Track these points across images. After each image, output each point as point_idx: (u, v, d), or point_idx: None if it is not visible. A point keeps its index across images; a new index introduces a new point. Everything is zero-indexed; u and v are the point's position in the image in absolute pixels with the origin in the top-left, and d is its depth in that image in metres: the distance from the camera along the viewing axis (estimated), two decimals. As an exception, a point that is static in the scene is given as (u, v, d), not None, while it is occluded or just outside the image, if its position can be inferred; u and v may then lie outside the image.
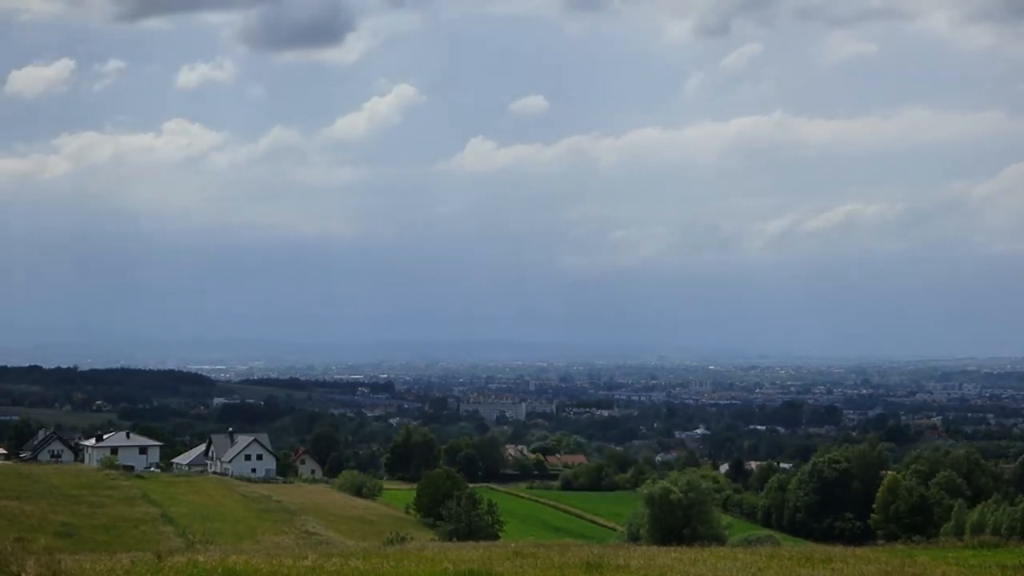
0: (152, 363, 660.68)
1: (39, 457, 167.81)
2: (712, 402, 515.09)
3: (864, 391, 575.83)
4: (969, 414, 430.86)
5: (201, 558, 33.13)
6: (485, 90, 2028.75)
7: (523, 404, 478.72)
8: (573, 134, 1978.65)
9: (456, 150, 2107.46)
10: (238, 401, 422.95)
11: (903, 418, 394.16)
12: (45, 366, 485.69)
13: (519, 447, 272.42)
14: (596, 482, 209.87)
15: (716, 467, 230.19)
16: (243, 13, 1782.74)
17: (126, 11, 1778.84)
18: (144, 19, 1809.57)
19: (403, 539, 78.43)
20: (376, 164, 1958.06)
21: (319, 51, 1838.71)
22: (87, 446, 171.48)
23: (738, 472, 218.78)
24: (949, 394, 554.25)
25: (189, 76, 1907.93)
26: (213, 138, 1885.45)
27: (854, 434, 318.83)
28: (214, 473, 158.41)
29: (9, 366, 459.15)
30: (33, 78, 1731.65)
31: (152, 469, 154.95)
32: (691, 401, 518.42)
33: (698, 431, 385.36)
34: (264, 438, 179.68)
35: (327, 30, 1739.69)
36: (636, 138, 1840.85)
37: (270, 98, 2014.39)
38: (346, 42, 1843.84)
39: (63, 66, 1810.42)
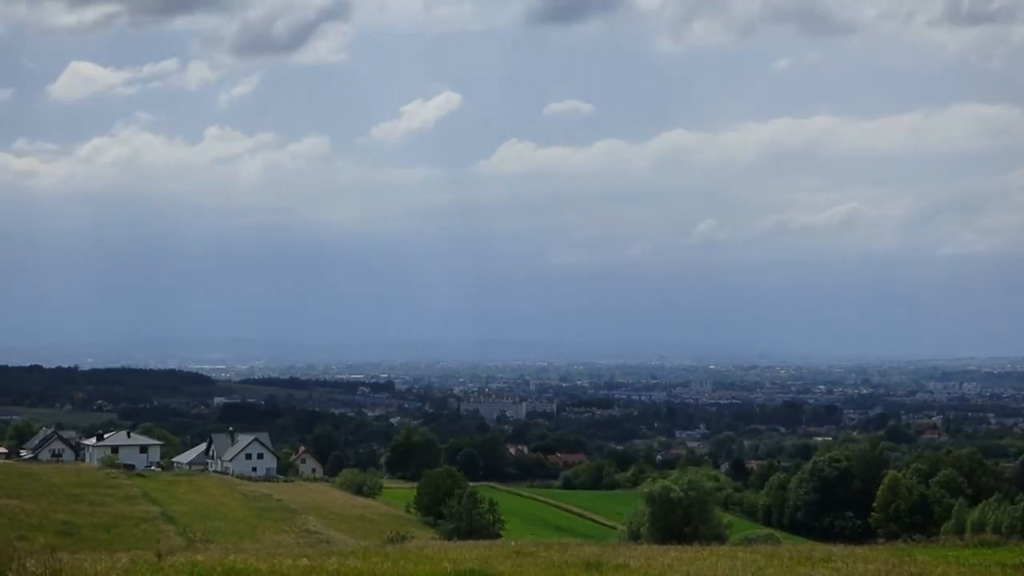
0: (153, 363, 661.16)
1: (40, 456, 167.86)
2: (712, 402, 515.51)
3: (864, 391, 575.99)
4: (969, 413, 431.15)
5: (201, 557, 33.16)
6: (519, 93, 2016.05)
7: (523, 403, 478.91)
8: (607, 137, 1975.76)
9: (484, 154, 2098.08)
10: (239, 401, 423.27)
11: (903, 418, 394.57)
12: (46, 366, 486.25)
13: (520, 446, 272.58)
14: (596, 481, 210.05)
15: (717, 466, 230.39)
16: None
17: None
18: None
19: (403, 538, 78.26)
20: (383, 166, 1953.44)
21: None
22: (88, 445, 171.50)
23: (738, 471, 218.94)
24: (949, 394, 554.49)
25: (207, 78, 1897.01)
26: (243, 141, 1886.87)
27: (854, 433, 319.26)
28: (215, 472, 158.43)
29: (10, 366, 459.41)
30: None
31: (153, 468, 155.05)
32: (691, 401, 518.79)
33: (698, 431, 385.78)
34: (265, 437, 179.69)
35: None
36: (667, 141, 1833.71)
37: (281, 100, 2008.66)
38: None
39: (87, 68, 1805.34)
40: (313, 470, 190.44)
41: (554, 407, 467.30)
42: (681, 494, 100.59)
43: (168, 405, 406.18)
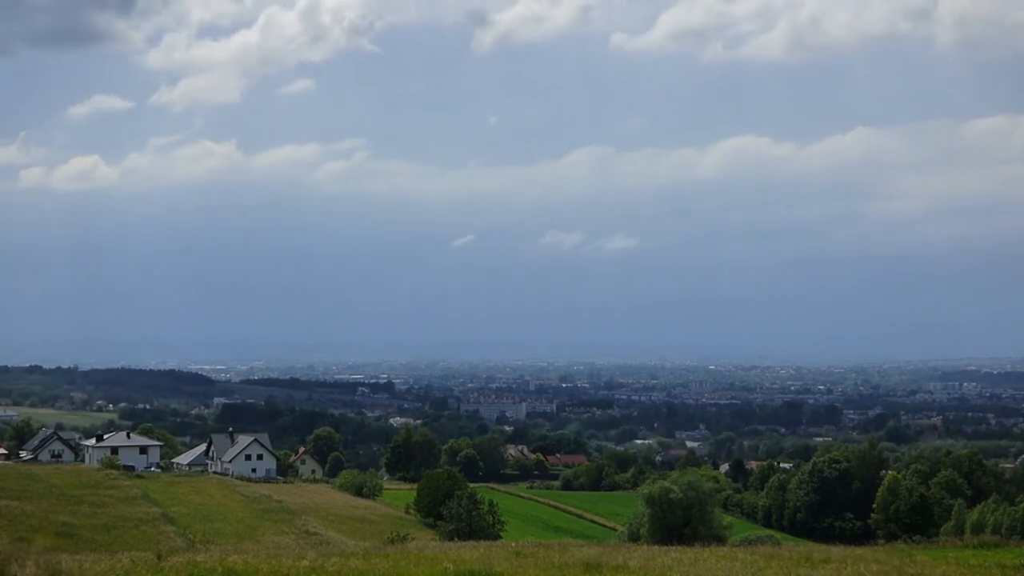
0: (153, 363, 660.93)
1: (40, 457, 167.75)
2: (712, 402, 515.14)
3: (864, 391, 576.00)
4: (969, 414, 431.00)
5: (201, 558, 33.23)
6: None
7: (523, 404, 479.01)
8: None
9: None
10: (238, 401, 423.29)
11: (903, 418, 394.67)
12: (46, 366, 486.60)
13: (520, 447, 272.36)
14: (596, 482, 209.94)
15: (716, 467, 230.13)
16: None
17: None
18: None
19: (404, 539, 78.32)
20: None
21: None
22: (88, 446, 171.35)
23: (738, 472, 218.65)
24: (949, 394, 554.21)
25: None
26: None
27: (854, 434, 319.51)
28: (214, 473, 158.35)
29: (10, 366, 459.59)
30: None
31: (152, 469, 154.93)
32: (691, 401, 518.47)
33: (698, 431, 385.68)
34: (264, 438, 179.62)
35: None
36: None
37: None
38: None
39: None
40: (313, 471, 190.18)
41: (554, 407, 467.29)
42: (681, 495, 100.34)
43: (168, 405, 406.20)
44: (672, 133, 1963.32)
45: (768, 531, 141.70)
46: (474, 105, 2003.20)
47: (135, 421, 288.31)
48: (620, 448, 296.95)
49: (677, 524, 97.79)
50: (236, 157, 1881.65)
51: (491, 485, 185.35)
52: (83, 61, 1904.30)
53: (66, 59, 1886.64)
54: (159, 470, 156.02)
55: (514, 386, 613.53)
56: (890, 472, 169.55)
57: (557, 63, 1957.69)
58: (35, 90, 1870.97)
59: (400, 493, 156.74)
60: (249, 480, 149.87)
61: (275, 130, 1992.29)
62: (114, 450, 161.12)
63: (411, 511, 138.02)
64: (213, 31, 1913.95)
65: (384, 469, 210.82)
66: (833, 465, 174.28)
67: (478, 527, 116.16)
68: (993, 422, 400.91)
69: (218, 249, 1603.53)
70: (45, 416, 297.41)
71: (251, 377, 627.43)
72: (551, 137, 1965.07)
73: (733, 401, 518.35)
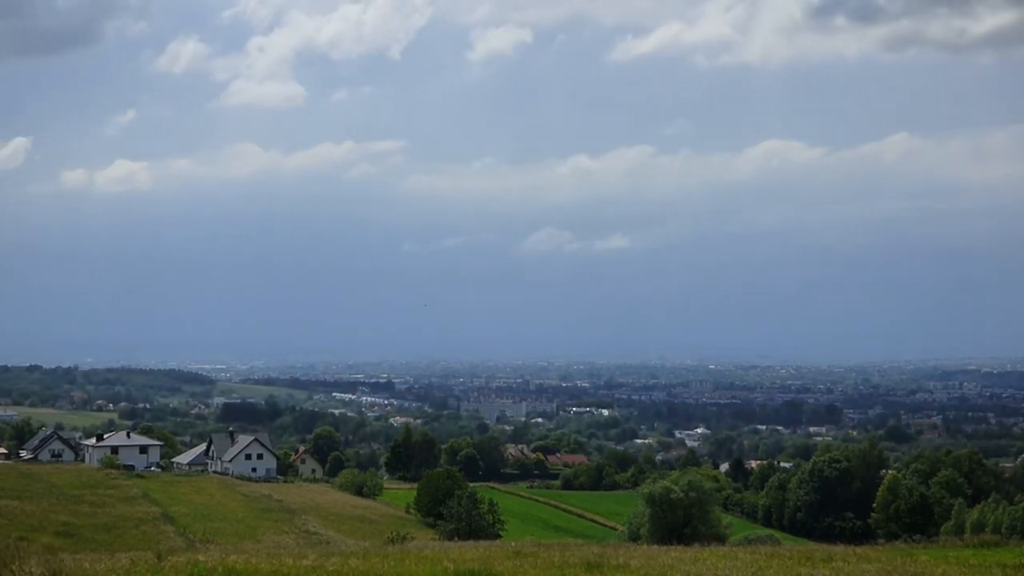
0: (153, 363, 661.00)
1: (40, 457, 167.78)
2: (712, 401, 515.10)
3: (864, 390, 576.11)
4: (969, 413, 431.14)
5: (202, 557, 33.20)
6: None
7: (523, 403, 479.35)
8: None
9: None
10: (239, 401, 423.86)
11: (903, 417, 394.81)
12: (46, 366, 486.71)
13: (520, 446, 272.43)
14: (596, 482, 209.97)
15: (716, 466, 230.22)
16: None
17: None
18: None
19: (404, 538, 78.31)
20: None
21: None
22: (88, 446, 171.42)
23: (738, 471, 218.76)
24: (949, 394, 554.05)
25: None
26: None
27: (854, 433, 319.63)
28: (215, 473, 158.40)
29: (9, 365, 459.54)
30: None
31: (153, 469, 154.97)
32: (691, 400, 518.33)
33: (698, 430, 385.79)
34: (264, 437, 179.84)
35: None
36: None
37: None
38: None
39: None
40: (313, 471, 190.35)
41: (554, 407, 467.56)
42: (681, 495, 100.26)
43: (168, 405, 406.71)
44: (679, 136, 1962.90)
45: (768, 531, 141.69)
46: (475, 106, 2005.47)
47: (135, 421, 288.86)
48: (620, 448, 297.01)
49: (677, 524, 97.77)
50: (268, 161, 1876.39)
51: (491, 485, 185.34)
52: (125, 65, 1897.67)
53: (103, 62, 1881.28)
54: (159, 470, 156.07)
55: (514, 386, 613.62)
56: (890, 472, 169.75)
57: (580, 66, 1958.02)
58: (81, 92, 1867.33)
59: (400, 493, 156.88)
60: (249, 480, 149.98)
61: (308, 134, 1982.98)
62: (114, 450, 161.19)
63: (411, 511, 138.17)
64: (248, 35, 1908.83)
65: (384, 469, 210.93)
66: (833, 464, 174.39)
67: (478, 527, 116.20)
68: (993, 421, 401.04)
69: (219, 251, 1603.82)
70: (45, 416, 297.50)
71: (251, 377, 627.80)
72: (558, 138, 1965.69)
73: (733, 400, 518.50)
